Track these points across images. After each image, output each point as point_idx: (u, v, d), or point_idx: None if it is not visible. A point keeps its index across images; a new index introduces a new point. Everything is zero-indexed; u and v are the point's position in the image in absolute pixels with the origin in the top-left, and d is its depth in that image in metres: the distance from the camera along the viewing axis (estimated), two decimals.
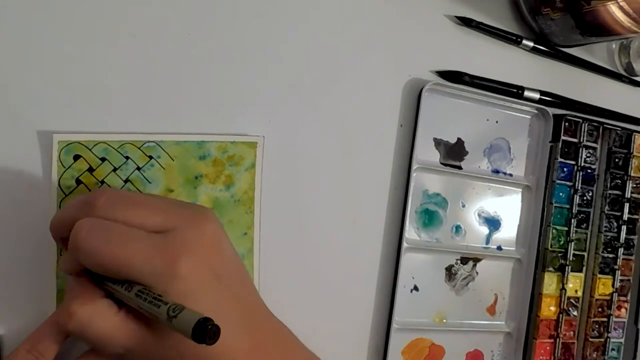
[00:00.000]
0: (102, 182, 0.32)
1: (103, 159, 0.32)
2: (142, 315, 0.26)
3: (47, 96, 0.31)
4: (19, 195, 0.30)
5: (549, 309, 0.43)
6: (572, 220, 0.44)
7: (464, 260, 0.42)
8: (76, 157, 0.31)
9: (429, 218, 0.41)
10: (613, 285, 0.46)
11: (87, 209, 0.26)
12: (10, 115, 0.30)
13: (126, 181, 0.33)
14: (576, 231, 0.44)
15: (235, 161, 0.35)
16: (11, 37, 0.30)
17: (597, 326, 0.45)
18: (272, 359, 0.29)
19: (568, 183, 0.44)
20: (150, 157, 0.33)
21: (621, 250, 0.46)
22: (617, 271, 0.46)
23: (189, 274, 0.25)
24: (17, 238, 0.30)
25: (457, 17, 0.41)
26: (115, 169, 0.32)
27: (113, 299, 0.26)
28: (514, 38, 0.43)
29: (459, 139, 0.42)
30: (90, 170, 0.32)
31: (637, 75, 0.49)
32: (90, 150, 0.32)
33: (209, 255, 0.27)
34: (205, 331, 0.22)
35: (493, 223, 0.43)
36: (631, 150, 0.46)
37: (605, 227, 0.45)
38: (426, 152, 0.40)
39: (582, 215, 0.44)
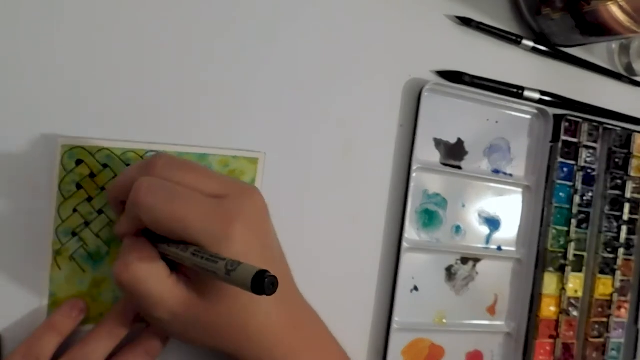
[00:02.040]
0: (103, 188, 0.32)
1: (105, 166, 0.32)
2: (193, 282, 0.27)
3: (54, 100, 0.31)
4: (18, 196, 0.30)
5: (549, 309, 0.43)
6: (572, 221, 0.44)
7: (464, 261, 0.42)
8: (78, 162, 0.31)
9: (429, 218, 0.41)
10: (613, 286, 0.46)
11: (146, 170, 0.27)
12: (16, 117, 0.30)
13: None
14: (576, 231, 0.44)
15: (236, 176, 0.35)
16: (20, 40, 0.30)
17: (597, 326, 0.45)
18: (307, 337, 0.30)
19: (568, 183, 0.44)
20: None
21: (621, 250, 0.46)
22: (617, 271, 0.46)
23: (241, 239, 0.26)
24: (14, 238, 0.30)
25: (457, 17, 0.41)
26: (116, 176, 0.32)
27: (166, 262, 0.27)
28: (514, 38, 0.43)
29: (459, 139, 0.42)
30: (92, 175, 0.32)
31: (637, 75, 0.49)
32: (93, 156, 0.32)
33: (258, 226, 0.28)
34: (263, 283, 0.22)
35: (493, 223, 0.43)
36: (631, 150, 0.46)
37: (605, 227, 0.45)
38: (426, 152, 0.40)
39: (582, 215, 0.44)
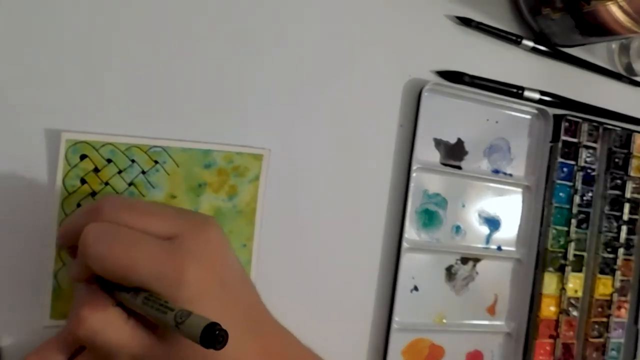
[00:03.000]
0: (107, 183, 0.32)
1: (109, 161, 0.32)
2: (152, 323, 0.26)
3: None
4: (22, 191, 0.30)
5: (549, 309, 0.43)
6: (572, 221, 0.44)
7: (464, 261, 0.42)
8: (82, 157, 0.31)
9: (429, 218, 0.41)
10: (613, 286, 0.46)
11: (93, 215, 0.26)
12: (20, 112, 0.30)
13: (130, 184, 0.32)
14: (576, 231, 0.44)
15: (240, 172, 0.35)
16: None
17: (597, 326, 0.45)
18: None
19: (568, 183, 0.44)
20: (156, 162, 0.33)
21: (621, 250, 0.46)
22: (617, 271, 0.46)
23: (195, 281, 0.25)
24: (17, 233, 0.30)
25: (457, 17, 0.41)
26: (120, 172, 0.32)
27: (123, 307, 0.26)
28: (514, 38, 0.43)
29: (459, 139, 0.42)
30: (96, 170, 0.32)
31: (637, 75, 0.49)
32: (97, 150, 0.32)
33: (214, 262, 0.27)
34: (214, 336, 0.22)
35: (493, 223, 0.43)
36: (631, 150, 0.46)
37: (605, 227, 0.45)
38: (426, 152, 0.40)
39: (582, 215, 0.44)
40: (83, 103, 0.32)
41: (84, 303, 0.26)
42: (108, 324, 0.25)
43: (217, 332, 0.22)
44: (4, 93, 0.30)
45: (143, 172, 0.33)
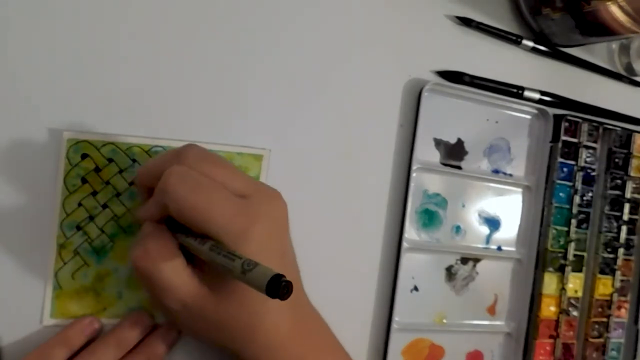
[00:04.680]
0: (108, 182, 0.32)
1: (110, 160, 0.32)
2: (207, 277, 0.27)
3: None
4: (23, 189, 0.31)
5: (549, 309, 0.43)
6: (572, 221, 0.44)
7: (464, 261, 0.42)
8: (84, 156, 0.32)
9: (429, 218, 0.41)
10: (613, 286, 0.46)
11: (177, 159, 0.27)
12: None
13: (131, 184, 0.33)
14: (576, 231, 0.44)
15: None
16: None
17: (597, 326, 0.45)
18: (314, 346, 0.30)
19: (568, 183, 0.44)
20: None
21: (621, 250, 0.46)
22: (617, 271, 0.46)
23: (260, 239, 0.26)
24: (19, 232, 0.31)
25: (457, 17, 0.41)
26: (121, 171, 0.32)
27: (183, 253, 0.27)
28: (514, 38, 0.43)
29: (459, 139, 0.42)
30: (97, 170, 0.32)
31: (637, 75, 0.49)
32: (98, 150, 0.32)
33: (278, 229, 0.28)
34: (279, 287, 0.22)
35: (493, 223, 0.43)
36: (631, 150, 0.46)
37: (605, 227, 0.45)
38: (426, 152, 0.40)
39: (582, 215, 0.44)
40: (85, 102, 0.32)
41: (153, 237, 0.27)
42: (170, 264, 0.27)
43: (283, 283, 0.22)
44: (7, 92, 0.30)
45: None
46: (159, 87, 0.33)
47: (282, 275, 0.22)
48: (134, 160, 0.32)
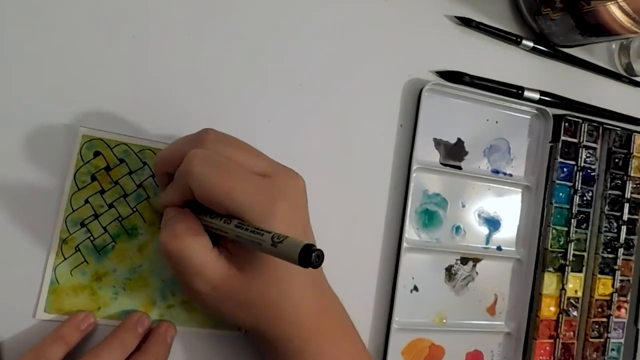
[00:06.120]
0: (117, 182, 0.32)
1: (122, 160, 0.32)
2: (233, 257, 0.28)
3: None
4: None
5: (548, 309, 0.43)
6: (572, 221, 0.44)
7: (464, 261, 0.42)
8: (96, 154, 0.32)
9: (429, 218, 0.41)
10: (613, 286, 0.46)
11: (195, 144, 0.28)
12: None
13: (139, 186, 0.33)
14: (576, 231, 0.44)
15: None
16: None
17: (597, 326, 0.45)
18: (332, 323, 0.31)
19: (568, 183, 0.44)
20: None
21: (621, 251, 0.46)
22: (617, 271, 0.46)
23: (283, 217, 0.27)
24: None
25: (457, 17, 0.41)
26: (131, 172, 0.33)
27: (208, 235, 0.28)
28: (514, 38, 0.43)
29: (458, 139, 0.42)
30: (107, 169, 0.32)
31: (637, 75, 0.49)
32: (111, 149, 0.32)
33: (300, 207, 0.29)
34: (311, 256, 0.23)
35: (493, 223, 0.43)
36: (631, 150, 0.46)
37: (605, 227, 0.45)
38: (426, 152, 0.40)
39: (582, 215, 0.44)
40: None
41: (178, 219, 0.28)
42: (198, 245, 0.27)
43: (314, 252, 0.23)
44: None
45: (153, 176, 0.33)
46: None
47: (313, 245, 0.23)
48: (144, 163, 0.33)
